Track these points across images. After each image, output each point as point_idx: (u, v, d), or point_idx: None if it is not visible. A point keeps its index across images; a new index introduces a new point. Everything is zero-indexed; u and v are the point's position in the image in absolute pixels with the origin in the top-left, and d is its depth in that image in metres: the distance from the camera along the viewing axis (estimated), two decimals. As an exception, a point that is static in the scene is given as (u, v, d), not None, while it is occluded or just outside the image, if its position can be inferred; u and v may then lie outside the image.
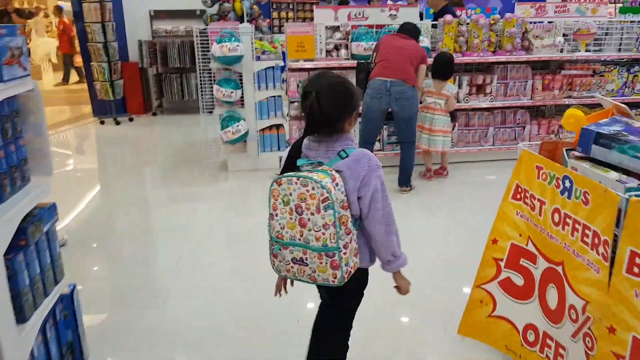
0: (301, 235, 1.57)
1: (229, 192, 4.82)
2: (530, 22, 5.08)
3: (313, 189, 1.51)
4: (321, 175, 1.54)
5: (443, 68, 4.50)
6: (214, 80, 5.15)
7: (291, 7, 9.26)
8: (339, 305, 1.89)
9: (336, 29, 4.96)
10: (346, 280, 1.59)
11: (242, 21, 6.29)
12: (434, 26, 5.02)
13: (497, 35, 5.06)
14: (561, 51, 5.12)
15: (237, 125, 4.89)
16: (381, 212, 1.68)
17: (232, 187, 4.92)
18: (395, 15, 4.99)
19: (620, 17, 5.42)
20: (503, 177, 4.94)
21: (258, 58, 5.02)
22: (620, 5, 6.91)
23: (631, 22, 5.30)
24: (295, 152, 1.75)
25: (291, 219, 1.57)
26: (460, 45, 4.97)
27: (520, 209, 2.47)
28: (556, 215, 2.19)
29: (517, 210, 2.49)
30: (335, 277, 1.57)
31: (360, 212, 1.68)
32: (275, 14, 9.25)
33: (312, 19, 9.25)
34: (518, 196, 2.49)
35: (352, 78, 4.97)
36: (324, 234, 1.53)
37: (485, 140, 5.30)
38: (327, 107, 1.62)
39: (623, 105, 2.30)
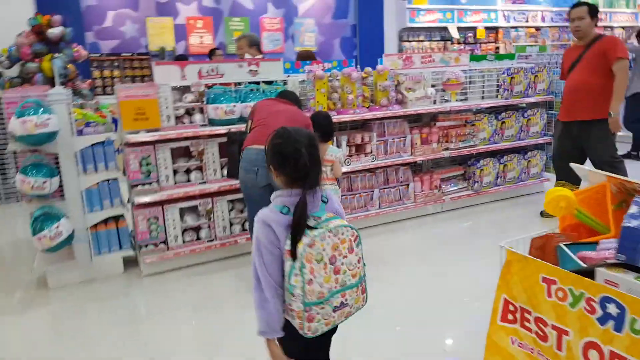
0: (336, 282, 1.62)
1: (53, 320, 3.36)
2: (402, 74, 4.68)
3: (342, 233, 1.63)
4: (340, 220, 1.69)
5: (323, 129, 3.77)
6: (17, 165, 3.70)
7: (116, 64, 7.94)
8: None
9: (186, 89, 3.95)
10: None
11: (53, 84, 4.91)
12: (302, 82, 4.32)
13: (370, 90, 4.54)
14: (434, 102, 4.80)
15: (57, 226, 3.50)
16: None
17: (56, 311, 3.47)
18: (256, 71, 4.17)
19: (472, 65, 5.35)
20: (394, 243, 4.40)
21: (80, 132, 3.74)
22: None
23: (489, 70, 5.25)
24: (303, 212, 1.63)
25: (326, 272, 1.60)
26: (335, 102, 4.32)
27: (516, 336, 1.70)
28: (593, 353, 1.45)
29: (511, 337, 1.72)
30: (364, 300, 1.75)
31: None
32: (96, 73, 7.82)
33: (143, 77, 8.04)
34: (510, 317, 1.72)
35: (213, 148, 3.97)
36: (359, 268, 1.69)
37: (372, 204, 4.67)
38: (317, 157, 1.69)
39: (626, 179, 1.72)
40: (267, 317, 1.65)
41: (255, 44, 5.10)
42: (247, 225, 4.07)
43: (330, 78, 4.30)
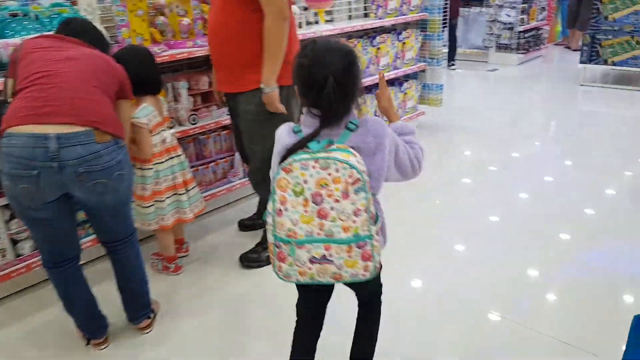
0: (321, 229, 1.31)
1: None
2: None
3: (337, 170, 1.26)
4: (344, 155, 1.28)
5: (146, 75, 2.36)
6: None
7: None
8: (375, 297, 1.68)
9: None
10: (378, 271, 1.46)
11: None
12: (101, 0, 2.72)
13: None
14: (299, 27, 3.59)
15: None
16: (409, 162, 1.49)
17: None
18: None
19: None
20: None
21: None
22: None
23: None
24: (304, 142, 1.33)
25: (306, 211, 1.30)
26: (163, 31, 2.82)
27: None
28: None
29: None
30: (366, 270, 1.35)
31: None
32: None
33: None
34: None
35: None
36: (355, 221, 1.29)
37: (233, 172, 3.41)
38: (347, 89, 1.33)
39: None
40: None
41: None
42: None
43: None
